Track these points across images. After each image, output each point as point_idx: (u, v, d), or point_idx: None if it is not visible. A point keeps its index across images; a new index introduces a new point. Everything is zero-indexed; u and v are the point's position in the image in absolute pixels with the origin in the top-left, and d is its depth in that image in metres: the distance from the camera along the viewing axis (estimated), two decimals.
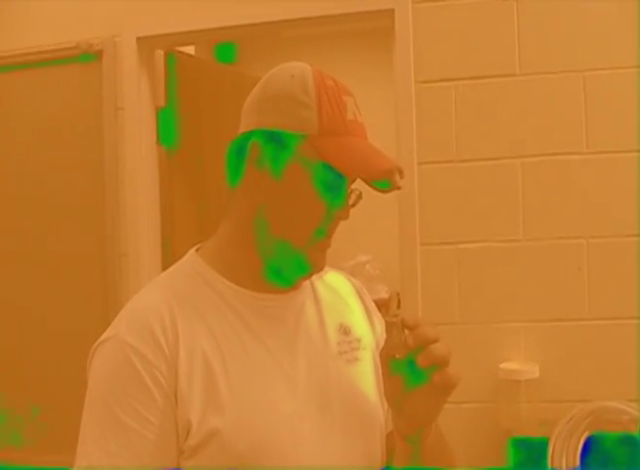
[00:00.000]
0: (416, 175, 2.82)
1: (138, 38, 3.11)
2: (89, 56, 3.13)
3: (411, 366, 1.09)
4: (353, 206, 1.26)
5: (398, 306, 3.03)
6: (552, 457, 2.38)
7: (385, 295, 4.80)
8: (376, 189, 1.21)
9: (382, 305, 1.47)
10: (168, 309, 1.20)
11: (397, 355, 1.10)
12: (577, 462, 2.35)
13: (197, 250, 1.33)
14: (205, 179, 3.47)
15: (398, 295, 3.42)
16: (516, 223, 2.76)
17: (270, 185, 1.22)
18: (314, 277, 1.37)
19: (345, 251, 4.56)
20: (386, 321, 1.13)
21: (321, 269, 1.28)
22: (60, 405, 2.87)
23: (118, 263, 3.07)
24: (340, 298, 1.41)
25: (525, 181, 2.75)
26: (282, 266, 1.26)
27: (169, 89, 3.36)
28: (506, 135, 2.76)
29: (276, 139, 1.20)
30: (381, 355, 1.13)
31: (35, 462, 2.84)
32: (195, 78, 3.54)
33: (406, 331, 1.10)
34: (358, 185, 1.24)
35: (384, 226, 4.27)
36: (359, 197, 1.26)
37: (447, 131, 2.80)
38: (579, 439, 2.37)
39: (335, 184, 1.20)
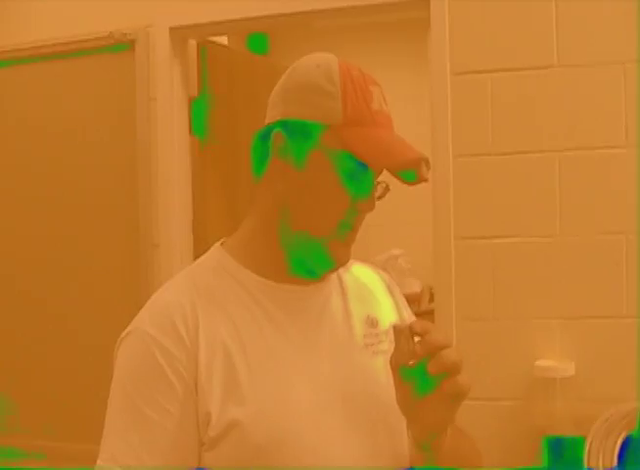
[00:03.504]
0: (451, 168, 2.79)
1: (171, 28, 3.11)
2: (122, 46, 3.13)
3: (421, 373, 1.07)
4: (380, 198, 1.25)
5: (431, 301, 3.05)
6: (588, 457, 2.35)
7: (417, 289, 4.78)
8: (401, 180, 1.20)
9: (414, 300, 1.45)
10: (190, 301, 1.20)
11: (407, 363, 1.08)
12: (614, 462, 2.31)
13: (222, 243, 1.33)
14: (237, 170, 3.46)
15: (431, 289, 3.42)
16: (552, 218, 2.73)
17: (294, 176, 1.22)
18: (341, 269, 1.35)
19: (378, 245, 4.62)
20: (393, 328, 1.12)
21: (345, 264, 1.26)
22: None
23: (151, 254, 3.08)
24: (367, 290, 1.40)
25: (563, 175, 2.71)
26: (306, 259, 1.25)
27: (202, 79, 3.35)
28: (543, 128, 2.72)
29: (300, 129, 1.20)
30: (390, 363, 1.11)
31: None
32: (227, 69, 3.54)
33: (415, 338, 1.09)
34: (386, 178, 1.23)
35: (417, 220, 4.27)
36: (386, 189, 1.25)
37: (483, 124, 2.77)
38: (616, 439, 2.34)
39: (359, 175, 1.19)
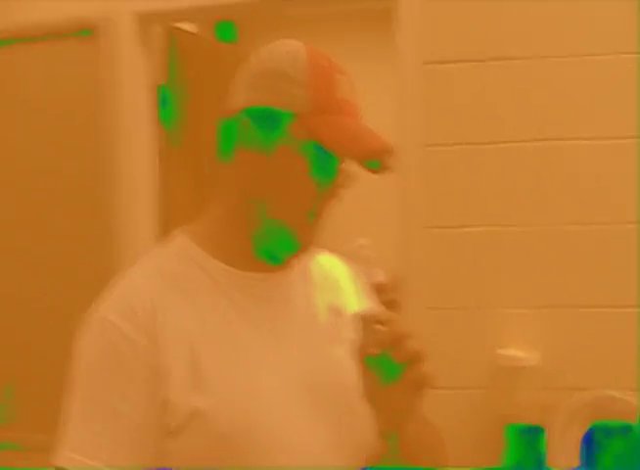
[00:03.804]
0: (420, 158, 2.79)
1: (136, 14, 3.06)
2: (86, 31, 3.08)
3: (385, 362, 1.08)
4: (346, 186, 1.24)
5: (395, 290, 3.05)
6: (551, 446, 2.30)
7: (382, 278, 4.75)
8: (366, 169, 1.20)
9: (379, 289, 1.46)
10: (152, 288, 1.19)
11: (371, 352, 1.09)
12: (577, 451, 2.30)
13: (184, 230, 1.31)
14: (204, 158, 3.42)
15: (395, 278, 3.39)
16: (519, 208, 2.74)
17: (260, 163, 1.21)
18: (306, 258, 1.35)
19: (344, 234, 4.56)
20: (358, 317, 1.12)
21: (310, 250, 1.26)
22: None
23: (116, 243, 3.04)
24: (332, 279, 1.40)
25: (532, 165, 2.72)
26: (272, 245, 1.25)
27: (169, 67, 3.30)
28: (514, 118, 2.73)
29: (266, 117, 1.19)
30: (355, 352, 1.11)
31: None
32: (195, 57, 3.50)
33: (380, 327, 1.09)
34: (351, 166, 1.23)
35: (383, 210, 4.25)
36: (352, 178, 1.24)
37: (453, 113, 2.77)
38: (578, 427, 2.36)
39: (325, 163, 1.19)
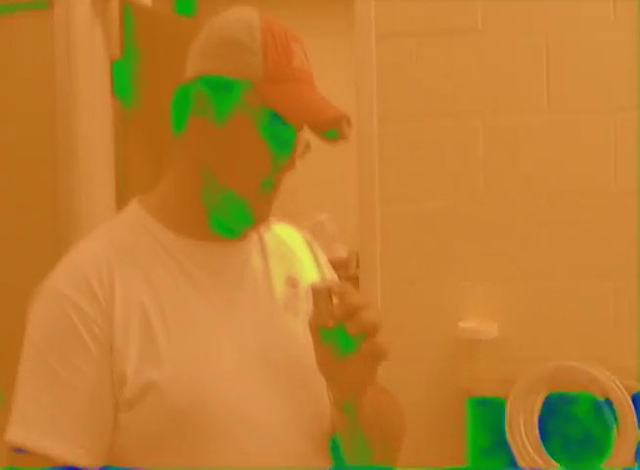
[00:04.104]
0: (376, 132, 2.78)
1: None
2: (40, 4, 3.01)
3: (340, 334, 1.06)
4: (301, 156, 1.23)
5: (358, 266, 3.04)
6: (510, 416, 2.39)
7: (343, 254, 4.78)
8: (323, 139, 1.19)
9: (341, 265, 1.44)
10: (106, 259, 1.17)
11: (326, 324, 1.06)
12: (535, 421, 2.36)
13: (139, 200, 1.29)
14: (161, 132, 3.39)
15: (357, 254, 3.40)
16: (476, 181, 2.75)
17: (214, 133, 1.19)
18: (262, 228, 1.34)
19: (305, 210, 4.60)
20: (312, 288, 1.09)
21: (265, 221, 1.25)
22: None
23: (73, 219, 3.00)
24: (288, 249, 1.39)
25: (487, 138, 2.73)
26: (226, 216, 1.23)
27: (125, 40, 3.26)
28: (468, 92, 2.74)
29: (220, 86, 1.17)
30: (309, 324, 1.09)
31: None
32: (151, 30, 3.46)
33: (334, 299, 1.07)
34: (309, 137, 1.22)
35: (344, 184, 4.26)
36: (307, 147, 1.23)
37: (408, 87, 2.76)
38: (537, 398, 2.38)
39: (281, 133, 1.17)
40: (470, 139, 2.74)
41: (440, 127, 2.76)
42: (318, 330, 1.08)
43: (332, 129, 1.17)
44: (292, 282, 1.32)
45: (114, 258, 1.18)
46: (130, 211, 1.28)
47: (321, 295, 1.07)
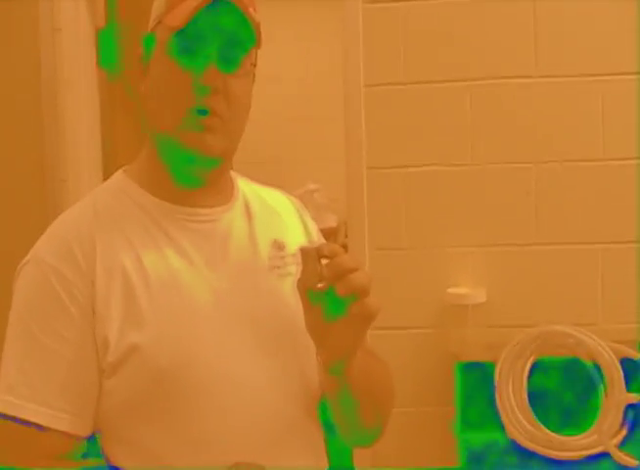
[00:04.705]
0: (363, 98, 2.76)
1: None
2: None
3: (330, 296, 1.06)
4: (246, 75, 1.22)
5: (347, 235, 3.06)
6: (499, 381, 2.38)
7: (333, 224, 4.79)
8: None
9: (330, 234, 1.44)
10: (87, 225, 1.19)
11: (315, 286, 1.07)
12: (524, 386, 2.36)
13: (124, 170, 1.31)
14: None
15: (346, 224, 3.39)
16: (464, 147, 2.74)
17: (147, 82, 1.22)
18: (249, 193, 1.36)
19: (294, 180, 4.56)
20: (300, 250, 1.10)
21: (216, 153, 1.21)
22: None
23: (58, 189, 2.98)
24: (275, 214, 1.39)
25: (474, 104, 2.72)
26: (177, 162, 1.23)
27: (109, 9, 3.21)
28: (455, 58, 2.72)
29: (146, 34, 1.23)
30: (298, 286, 1.09)
31: None
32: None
33: (323, 261, 1.07)
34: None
35: (333, 154, 4.21)
36: (251, 65, 1.23)
37: (395, 53, 2.74)
38: (526, 362, 2.38)
39: (189, 50, 1.16)
40: (457, 105, 2.73)
41: (428, 94, 2.74)
42: (307, 292, 1.08)
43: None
44: (278, 245, 1.33)
45: (96, 223, 1.20)
46: (115, 180, 1.30)
47: (310, 256, 1.07)
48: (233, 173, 1.38)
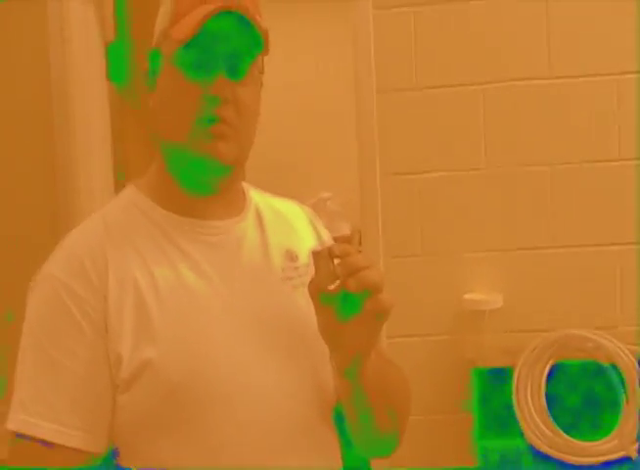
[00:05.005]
0: (375, 104, 2.75)
1: None
2: None
3: (342, 297, 1.06)
4: (246, 83, 1.21)
5: (361, 243, 3.06)
6: (517, 386, 2.37)
7: (347, 232, 4.76)
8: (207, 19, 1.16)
9: (345, 243, 1.42)
10: (98, 240, 1.19)
11: (327, 287, 1.06)
12: (542, 391, 2.35)
13: (135, 184, 1.31)
14: None
15: (359, 232, 3.37)
16: (478, 151, 2.72)
17: (155, 93, 1.23)
18: (261, 203, 1.36)
19: (306, 188, 4.61)
20: (312, 253, 1.09)
21: (228, 160, 1.21)
22: None
23: (71, 201, 2.98)
24: (288, 224, 1.39)
25: (487, 108, 2.70)
26: (188, 171, 1.23)
27: (118, 23, 3.22)
28: (467, 61, 2.71)
29: (152, 56, 1.24)
30: (309, 289, 1.08)
31: None
32: (145, 11, 3.41)
33: (335, 261, 1.07)
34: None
35: (346, 161, 4.22)
36: (258, 68, 1.23)
37: (407, 58, 2.72)
38: (544, 367, 2.37)
39: (192, 59, 1.17)
40: (471, 109, 2.71)
41: (441, 98, 2.72)
42: (319, 294, 1.07)
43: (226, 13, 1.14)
44: (291, 256, 1.32)
45: (108, 238, 1.19)
46: (125, 194, 1.30)
47: (322, 257, 1.07)
48: (245, 184, 1.37)
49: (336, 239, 1.46)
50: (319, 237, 1.42)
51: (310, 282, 1.08)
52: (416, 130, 2.75)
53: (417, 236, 2.77)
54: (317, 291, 1.08)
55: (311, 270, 1.09)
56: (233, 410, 1.16)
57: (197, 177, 1.23)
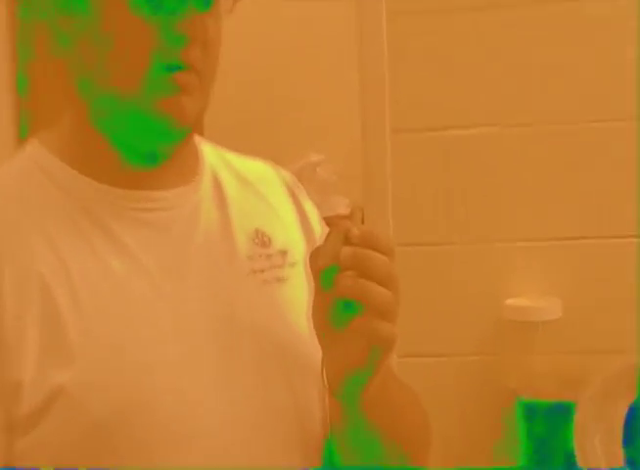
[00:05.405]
0: (385, 31, 2.66)
1: None
2: None
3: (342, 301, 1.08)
4: (215, 14, 1.20)
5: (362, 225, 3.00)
6: (581, 429, 2.28)
7: (343, 210, 4.64)
8: None
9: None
10: None
11: (326, 263, 1.07)
12: (619, 437, 2.27)
13: (41, 139, 1.28)
14: None
15: (361, 210, 3.32)
16: (525, 100, 2.61)
17: (87, 32, 1.19)
18: (220, 166, 1.35)
19: (289, 149, 4.45)
20: (326, 221, 1.15)
21: (188, 118, 1.19)
22: None
23: None
24: (257, 195, 1.37)
25: (536, 35, 2.60)
26: (127, 134, 1.20)
27: None
28: None
29: None
30: (310, 260, 1.10)
31: None
32: None
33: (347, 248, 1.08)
34: None
35: (343, 113, 4.13)
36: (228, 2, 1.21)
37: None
38: (621, 404, 2.29)
39: None
40: (514, 37, 2.61)
41: (472, 23, 2.64)
42: (320, 271, 1.07)
43: None
44: (262, 239, 1.31)
45: (7, 221, 1.18)
46: (26, 154, 1.27)
47: (334, 233, 1.08)
48: (196, 138, 1.34)
49: (329, 220, 1.43)
50: (302, 214, 1.41)
51: (313, 252, 1.09)
52: (439, 69, 2.66)
53: (439, 217, 2.68)
54: (316, 266, 1.08)
55: (292, 260, 1.18)
56: (181, 457, 1.14)
57: (142, 144, 1.22)
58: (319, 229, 1.41)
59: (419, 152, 2.67)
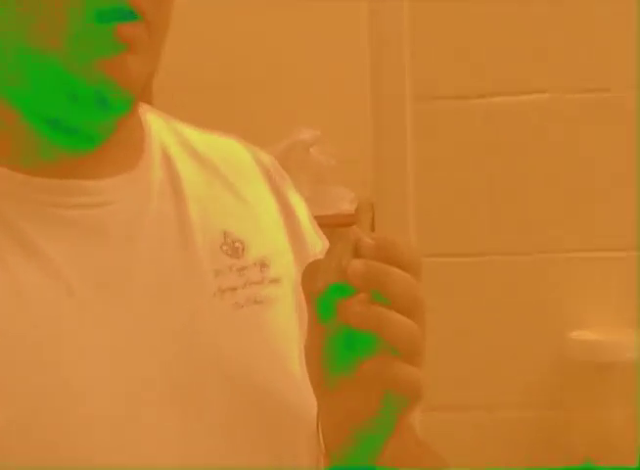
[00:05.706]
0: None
1: None
2: None
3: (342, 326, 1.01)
4: None
5: (372, 228, 3.05)
6: None
7: (347, 207, 4.50)
8: None
9: (343, 226, 1.18)
10: None
11: (328, 281, 0.99)
12: None
13: None
14: None
15: (372, 207, 3.28)
16: (587, 64, 2.59)
17: None
18: (173, 143, 1.25)
19: (275, 123, 4.27)
20: (323, 222, 1.21)
21: (135, 84, 1.08)
22: None
23: None
24: (225, 184, 1.28)
25: None
26: (57, 105, 1.10)
27: None
28: None
29: None
30: (303, 281, 1.00)
31: None
32: None
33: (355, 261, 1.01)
34: None
35: (347, 78, 4.08)
36: None
37: None
38: None
39: None
40: None
41: None
42: (317, 294, 1.00)
43: None
44: (232, 246, 1.23)
45: None
46: None
47: (341, 241, 1.02)
48: (141, 109, 1.25)
49: (326, 219, 1.51)
50: (288, 212, 1.33)
51: (308, 267, 1.01)
52: (470, 26, 2.64)
53: (478, 217, 2.62)
54: (316, 286, 1.00)
55: (276, 274, 1.17)
56: None
57: (71, 119, 1.13)
58: (313, 233, 1.32)
59: (447, 126, 2.63)
